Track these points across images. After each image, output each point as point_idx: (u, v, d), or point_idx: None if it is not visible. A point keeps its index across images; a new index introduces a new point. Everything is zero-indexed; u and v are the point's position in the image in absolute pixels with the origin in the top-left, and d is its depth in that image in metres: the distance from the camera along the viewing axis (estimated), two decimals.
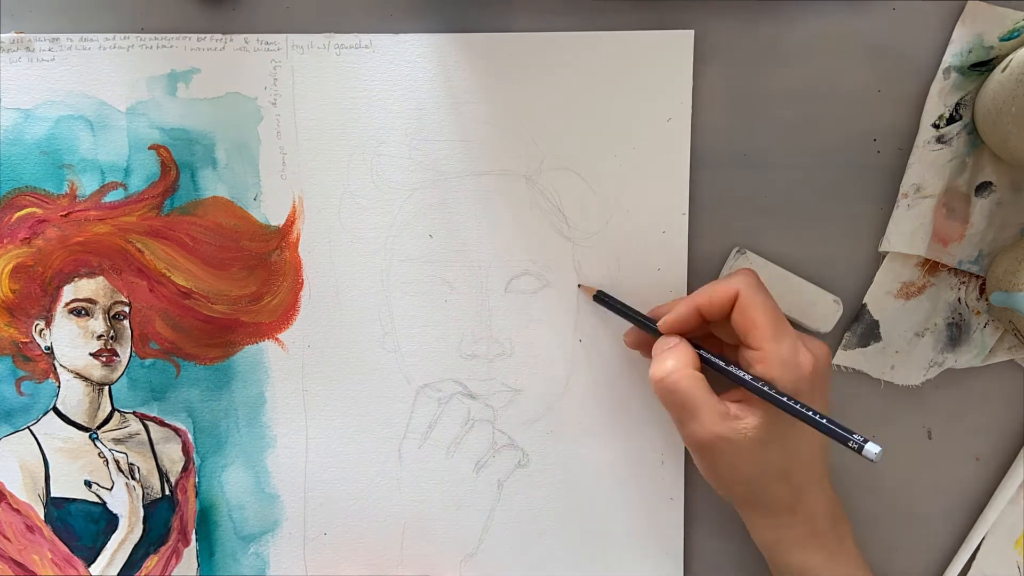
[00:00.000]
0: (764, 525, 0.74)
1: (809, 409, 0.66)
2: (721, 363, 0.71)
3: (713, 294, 0.70)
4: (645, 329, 0.76)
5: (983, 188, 0.77)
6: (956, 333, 0.79)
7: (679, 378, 0.69)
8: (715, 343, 0.75)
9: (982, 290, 0.79)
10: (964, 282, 0.79)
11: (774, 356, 0.67)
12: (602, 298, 0.78)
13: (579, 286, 0.79)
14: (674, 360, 0.70)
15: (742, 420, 0.68)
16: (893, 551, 0.82)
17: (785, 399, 0.66)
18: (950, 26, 0.77)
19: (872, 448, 0.63)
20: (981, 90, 0.76)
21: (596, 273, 0.79)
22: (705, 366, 0.71)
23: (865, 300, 0.79)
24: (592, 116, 0.78)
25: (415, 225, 0.79)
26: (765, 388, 0.67)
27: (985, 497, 0.81)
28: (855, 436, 0.64)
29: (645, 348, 0.77)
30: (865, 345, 0.79)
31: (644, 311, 0.77)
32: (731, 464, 0.69)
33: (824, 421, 0.65)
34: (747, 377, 0.69)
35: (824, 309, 0.79)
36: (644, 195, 0.78)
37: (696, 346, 0.72)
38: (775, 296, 0.72)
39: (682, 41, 0.77)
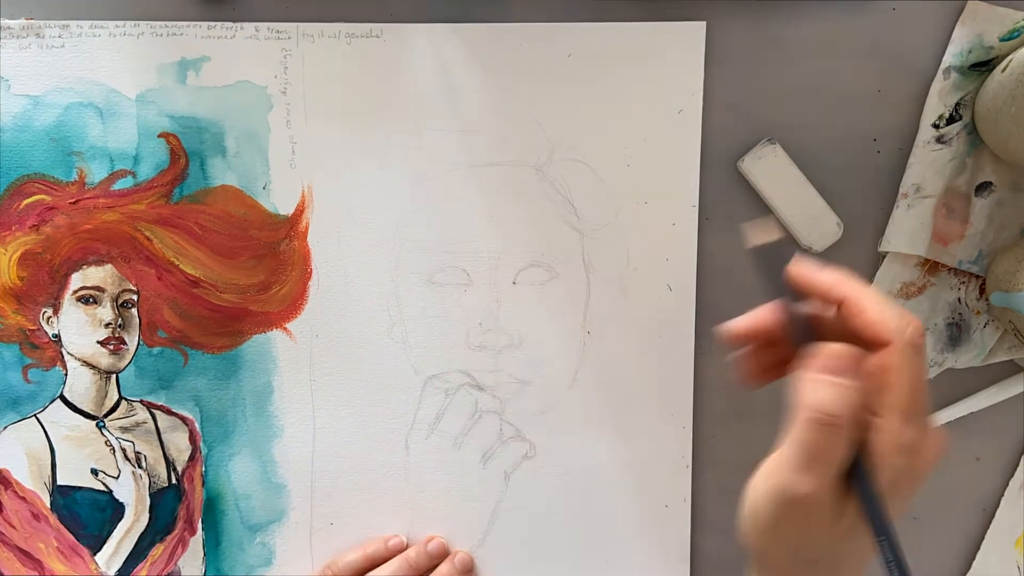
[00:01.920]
0: None
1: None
2: (871, 498, 0.54)
3: (866, 314, 0.54)
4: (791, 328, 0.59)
5: (983, 188, 0.78)
6: (956, 333, 0.80)
7: (837, 428, 0.53)
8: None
9: (982, 290, 0.79)
10: (964, 282, 0.80)
11: (893, 436, 0.53)
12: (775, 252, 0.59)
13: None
14: (845, 402, 0.53)
15: (854, 532, 0.55)
16: None
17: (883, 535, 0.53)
18: (950, 26, 0.78)
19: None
20: (981, 90, 0.76)
21: (605, 265, 0.79)
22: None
23: None
24: (603, 108, 0.78)
25: (424, 215, 0.79)
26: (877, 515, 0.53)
27: (985, 497, 0.82)
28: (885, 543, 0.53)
29: (764, 358, 0.62)
30: None
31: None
32: (804, 530, 0.56)
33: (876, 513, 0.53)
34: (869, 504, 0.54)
35: (824, 228, 0.78)
36: (654, 187, 0.79)
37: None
38: (786, 198, 0.74)
39: (694, 33, 0.78)
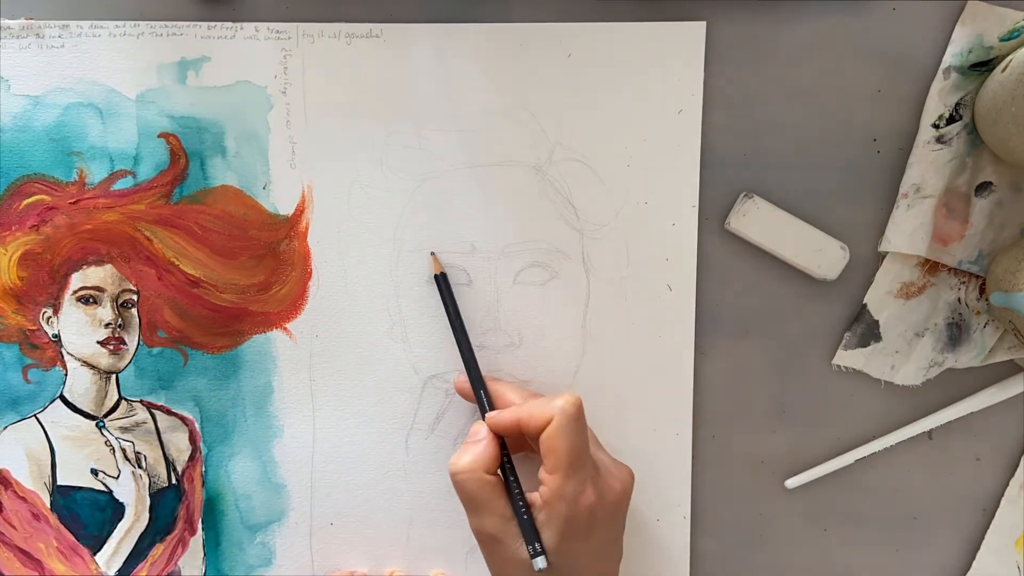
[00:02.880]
0: None
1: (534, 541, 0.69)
2: (510, 479, 0.72)
3: (534, 413, 0.70)
4: (473, 386, 0.77)
5: (983, 188, 0.78)
6: (956, 333, 0.80)
7: (467, 479, 0.71)
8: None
9: (982, 290, 0.79)
10: (964, 282, 0.80)
11: (559, 488, 0.68)
12: (441, 285, 0.79)
13: (432, 253, 0.79)
14: (470, 459, 0.71)
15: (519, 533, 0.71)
16: (893, 551, 0.82)
17: (523, 528, 0.70)
18: (950, 26, 0.78)
19: (539, 562, 0.69)
20: (981, 90, 0.76)
21: (605, 265, 0.79)
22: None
23: (865, 300, 0.79)
24: (603, 108, 0.78)
25: (424, 215, 0.79)
26: (525, 516, 0.70)
27: (985, 497, 0.82)
28: (536, 545, 0.69)
29: (468, 396, 0.79)
30: (865, 345, 0.80)
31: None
32: (503, 561, 0.71)
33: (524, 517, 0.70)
34: (520, 506, 0.71)
35: (831, 256, 0.78)
36: (654, 187, 0.79)
37: (504, 449, 0.74)
38: (783, 242, 0.75)
39: (694, 33, 0.78)
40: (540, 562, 0.68)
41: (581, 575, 0.70)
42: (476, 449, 0.72)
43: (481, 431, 0.73)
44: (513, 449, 0.75)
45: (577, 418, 0.69)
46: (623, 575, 0.75)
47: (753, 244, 0.79)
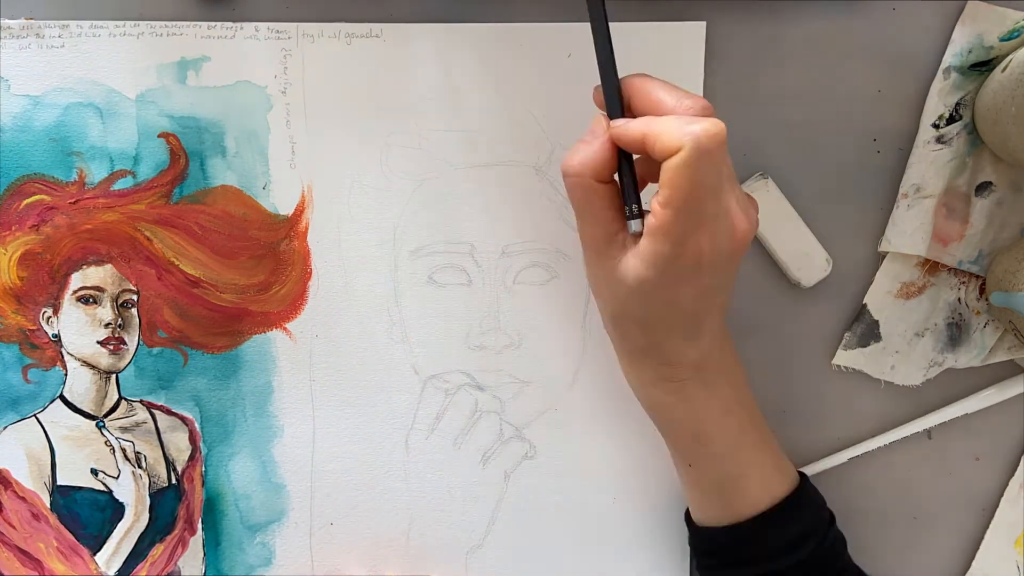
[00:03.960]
0: (648, 379, 0.71)
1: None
2: (628, 182, 0.65)
3: (663, 133, 0.60)
4: (604, 89, 0.67)
5: (983, 188, 0.78)
6: (956, 333, 0.80)
7: (573, 184, 0.65)
8: None
9: (982, 290, 0.79)
10: (964, 282, 0.80)
11: (666, 225, 0.61)
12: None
13: None
14: (579, 162, 0.65)
15: (626, 247, 0.65)
16: (894, 551, 0.82)
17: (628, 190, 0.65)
18: (950, 26, 0.78)
19: (635, 224, 0.64)
20: (981, 90, 0.76)
21: None
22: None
23: (865, 300, 0.79)
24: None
25: (424, 215, 0.79)
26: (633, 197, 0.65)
27: (985, 497, 0.82)
28: (633, 207, 0.64)
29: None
30: (865, 345, 0.80)
31: None
32: (600, 273, 0.67)
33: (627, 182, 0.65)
34: (629, 196, 0.65)
35: (813, 263, 0.78)
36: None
37: (624, 155, 0.66)
38: (776, 233, 0.76)
39: (694, 33, 0.78)
40: (635, 225, 0.64)
41: (671, 312, 0.65)
42: (588, 150, 0.65)
43: (599, 127, 0.66)
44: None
45: (712, 154, 0.59)
46: (623, 575, 0.75)
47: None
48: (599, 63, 0.66)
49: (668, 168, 0.59)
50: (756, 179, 0.78)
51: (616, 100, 0.66)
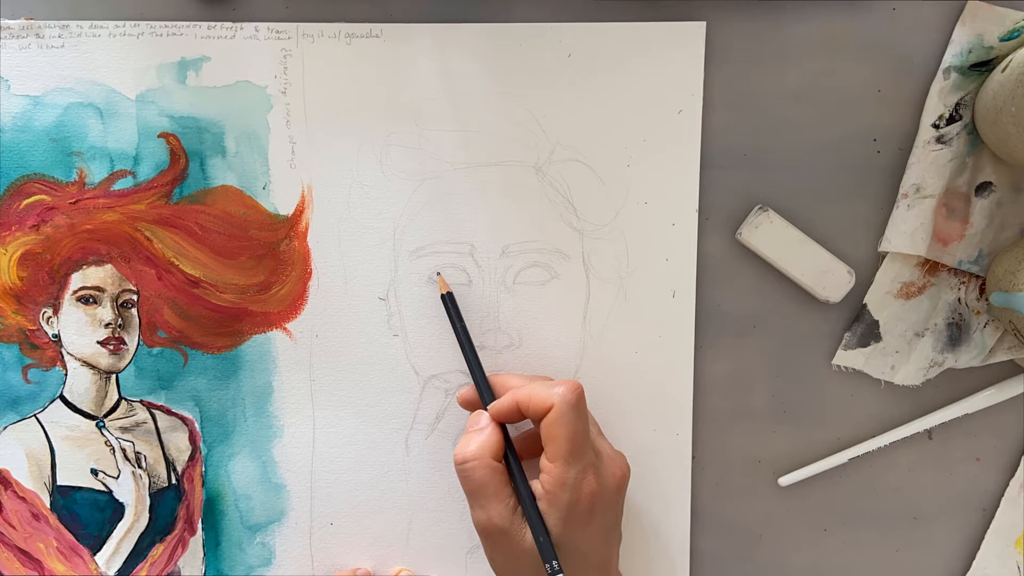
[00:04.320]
0: None
1: (546, 534, 0.69)
2: (513, 466, 0.72)
3: (533, 396, 0.70)
4: (476, 385, 0.76)
5: (983, 188, 0.78)
6: (956, 333, 0.80)
7: (475, 467, 0.70)
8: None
9: (982, 290, 0.79)
10: (964, 282, 0.80)
11: (560, 476, 0.68)
12: (448, 304, 0.78)
13: (438, 274, 0.79)
14: (476, 447, 0.71)
15: (525, 524, 0.70)
16: (893, 551, 0.82)
17: (529, 516, 0.69)
18: (950, 26, 0.77)
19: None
20: (981, 90, 0.76)
21: (605, 265, 0.79)
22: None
23: (865, 300, 0.79)
24: (602, 108, 0.78)
25: (424, 215, 0.79)
26: (528, 504, 0.70)
27: (985, 497, 0.82)
28: (554, 563, 0.68)
29: (472, 405, 0.78)
30: (865, 345, 0.80)
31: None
32: (508, 554, 0.71)
33: (542, 541, 0.68)
34: (521, 489, 0.71)
35: (837, 278, 0.78)
36: (654, 187, 0.79)
37: (507, 437, 0.74)
38: (792, 259, 0.75)
39: (694, 33, 0.78)
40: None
41: (583, 561, 0.70)
42: (480, 437, 0.72)
43: (482, 419, 0.73)
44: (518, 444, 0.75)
45: (577, 406, 0.69)
46: (623, 574, 0.75)
47: (761, 256, 0.79)
48: (468, 364, 0.76)
49: (546, 425, 0.69)
50: (757, 212, 0.78)
51: (487, 389, 0.75)
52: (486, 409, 0.74)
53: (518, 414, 0.72)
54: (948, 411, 0.80)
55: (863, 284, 0.79)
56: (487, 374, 0.76)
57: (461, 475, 0.71)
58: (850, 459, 0.80)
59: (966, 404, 0.80)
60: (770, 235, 0.78)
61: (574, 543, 0.69)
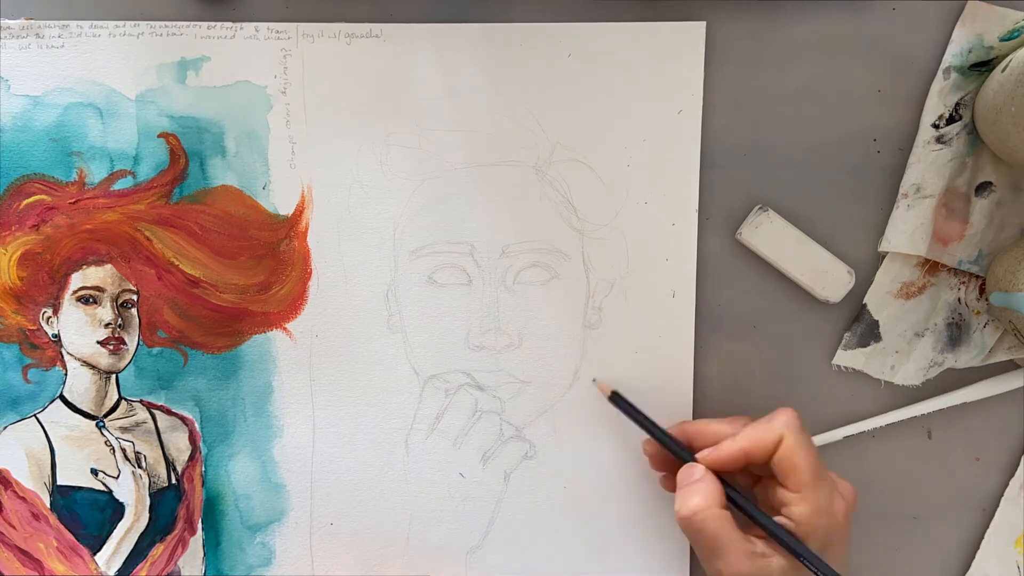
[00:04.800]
0: None
1: (827, 569, 0.67)
2: (751, 508, 0.71)
3: (758, 437, 0.70)
4: (670, 450, 0.75)
5: (983, 188, 0.78)
6: (956, 333, 0.80)
7: (706, 517, 0.68)
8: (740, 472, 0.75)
9: (982, 290, 0.79)
10: (964, 282, 0.80)
11: (813, 502, 0.67)
12: (619, 401, 0.78)
13: (593, 380, 0.80)
14: (701, 497, 0.69)
15: (769, 559, 0.68)
16: (893, 551, 0.82)
17: (803, 553, 0.67)
18: (950, 26, 0.78)
19: None
20: (981, 90, 0.76)
21: (605, 265, 0.79)
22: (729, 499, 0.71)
23: (865, 300, 0.79)
24: (602, 108, 0.78)
25: (424, 215, 0.79)
26: (789, 539, 0.68)
27: (985, 497, 0.82)
28: None
29: (661, 462, 0.77)
30: (865, 345, 0.80)
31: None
32: None
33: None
34: (771, 526, 0.69)
35: (837, 279, 0.78)
36: (654, 187, 0.79)
37: (722, 480, 0.72)
38: (792, 259, 0.76)
39: (694, 33, 0.78)
40: None
41: None
42: (702, 487, 0.70)
43: (696, 471, 0.72)
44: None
45: (803, 430, 0.70)
46: (624, 575, 0.75)
47: (761, 256, 0.79)
48: (662, 442, 0.76)
49: (781, 459, 0.69)
50: (757, 212, 0.78)
51: (682, 448, 0.75)
52: (694, 460, 0.73)
53: (743, 461, 0.71)
54: (948, 411, 0.80)
55: (863, 284, 0.79)
56: (664, 426, 0.77)
57: (691, 530, 0.69)
58: (844, 437, 0.80)
59: (966, 404, 0.80)
60: (770, 235, 0.78)
61: (836, 567, 0.68)
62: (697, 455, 0.73)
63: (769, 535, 0.69)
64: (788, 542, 0.67)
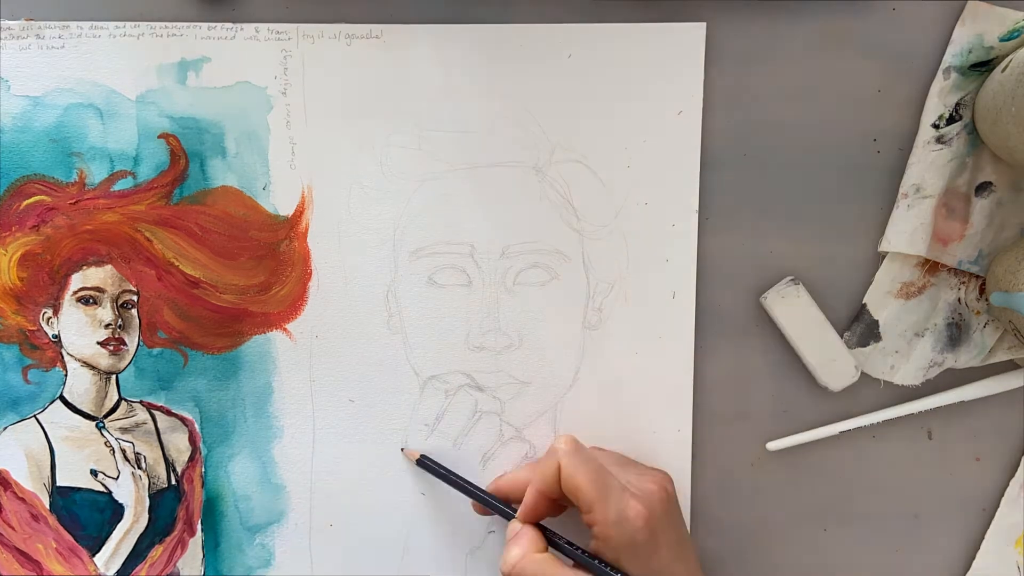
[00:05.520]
0: None
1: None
2: (560, 541, 0.73)
3: (543, 474, 0.71)
4: (489, 507, 0.78)
5: (983, 188, 0.78)
6: (956, 333, 0.80)
7: (525, 565, 0.70)
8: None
9: (982, 290, 0.79)
10: (964, 282, 0.80)
11: (602, 516, 0.68)
12: (429, 465, 0.80)
13: (402, 450, 0.81)
14: (518, 548, 0.71)
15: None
16: (893, 551, 0.82)
17: (596, 568, 0.69)
18: (950, 26, 0.77)
19: None
20: (981, 90, 0.76)
21: (605, 265, 0.79)
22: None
23: (865, 300, 0.79)
24: (603, 108, 0.78)
25: (424, 216, 0.79)
26: (582, 557, 0.70)
27: (985, 497, 0.82)
28: None
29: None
30: (865, 345, 0.80)
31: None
32: None
33: None
34: (569, 551, 0.71)
35: (843, 371, 0.79)
36: (654, 188, 0.79)
37: (544, 528, 0.74)
38: (806, 339, 0.76)
39: (694, 33, 0.78)
40: None
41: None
42: (520, 539, 0.72)
43: (513, 528, 0.74)
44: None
45: (576, 450, 0.71)
46: None
47: (778, 327, 0.79)
48: (477, 499, 0.78)
49: (565, 484, 0.70)
50: (787, 284, 0.78)
51: (499, 504, 0.77)
52: (512, 513, 0.75)
53: (545, 500, 0.73)
54: (948, 411, 0.80)
55: (863, 284, 0.79)
56: (495, 480, 0.80)
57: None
58: (841, 432, 0.80)
59: (966, 404, 0.80)
60: (794, 309, 0.78)
61: (651, 573, 0.69)
62: (517, 516, 0.75)
63: (583, 566, 0.70)
64: (584, 560, 0.70)
